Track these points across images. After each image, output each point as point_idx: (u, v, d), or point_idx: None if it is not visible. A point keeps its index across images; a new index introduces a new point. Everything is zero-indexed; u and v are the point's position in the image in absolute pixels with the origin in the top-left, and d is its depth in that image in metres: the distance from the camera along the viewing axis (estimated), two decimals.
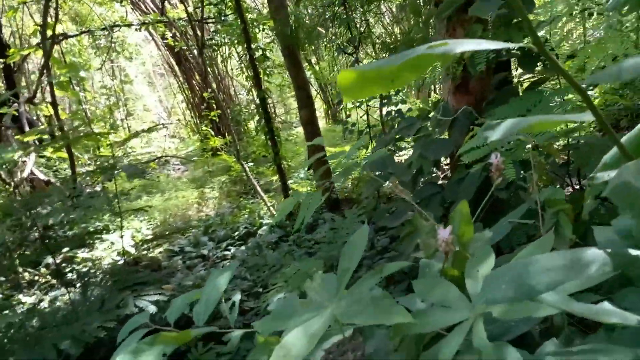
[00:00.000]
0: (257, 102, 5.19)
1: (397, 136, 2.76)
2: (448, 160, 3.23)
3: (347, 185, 6.04)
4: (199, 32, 6.66)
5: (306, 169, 6.95)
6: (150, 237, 5.63)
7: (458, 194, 2.32)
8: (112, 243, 5.34)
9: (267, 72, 6.03)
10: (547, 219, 1.27)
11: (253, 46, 5.41)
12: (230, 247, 4.99)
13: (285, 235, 4.94)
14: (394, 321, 0.80)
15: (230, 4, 6.63)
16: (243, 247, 4.89)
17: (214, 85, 9.94)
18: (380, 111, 4.99)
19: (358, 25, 4.52)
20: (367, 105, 4.64)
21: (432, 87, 10.38)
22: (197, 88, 11.36)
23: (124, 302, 2.71)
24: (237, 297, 1.36)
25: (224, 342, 2.87)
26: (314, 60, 11.69)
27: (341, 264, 0.99)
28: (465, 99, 2.46)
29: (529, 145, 1.70)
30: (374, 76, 0.61)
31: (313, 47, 10.76)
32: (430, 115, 2.78)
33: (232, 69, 11.37)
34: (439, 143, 2.40)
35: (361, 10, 4.76)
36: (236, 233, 5.33)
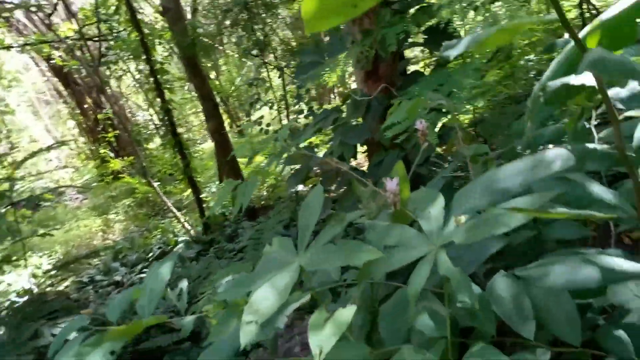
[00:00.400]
0: (162, 114, 5.00)
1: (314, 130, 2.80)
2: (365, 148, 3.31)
3: (262, 193, 6.00)
4: (92, 50, 6.30)
5: (217, 182, 6.80)
6: (53, 271, 5.19)
7: (379, 175, 2.40)
8: (9, 284, 4.87)
9: (168, 86, 5.84)
10: (476, 170, 1.35)
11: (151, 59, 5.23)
12: (145, 270, 4.74)
13: (204, 249, 4.79)
14: (364, 259, 0.80)
15: (122, 19, 6.37)
16: None
17: (109, 107, 9.45)
18: (288, 116, 5.03)
19: (261, 29, 4.54)
20: (279, 107, 4.66)
21: (332, 94, 10.67)
22: (90, 111, 10.72)
23: (39, 333, 2.46)
24: (184, 284, 1.29)
25: (158, 358, 2.71)
26: (213, 74, 11.52)
27: (300, 222, 0.98)
28: (376, 85, 2.55)
29: (448, 117, 1.80)
30: (336, 3, 0.61)
31: (212, 63, 10.62)
32: (343, 107, 2.86)
33: (127, 87, 10.89)
34: (357, 129, 2.47)
35: (262, 16, 4.79)
36: (150, 254, 5.07)
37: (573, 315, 0.96)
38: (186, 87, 8.96)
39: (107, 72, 8.01)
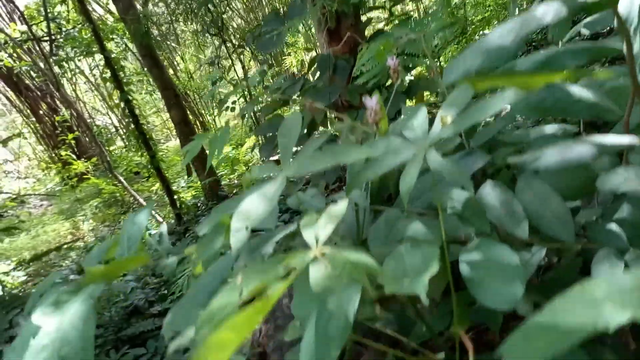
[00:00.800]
0: (121, 108, 4.84)
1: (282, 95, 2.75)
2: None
3: (234, 182, 5.92)
4: (42, 50, 6.06)
5: (186, 176, 6.67)
6: (23, 277, 4.99)
7: None
8: None
9: (126, 80, 5.67)
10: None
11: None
12: None
13: (178, 239, 4.70)
14: (355, 157, 0.77)
15: (70, 16, 6.16)
16: None
17: (65, 110, 9.16)
18: (251, 95, 4.94)
19: (216, 11, 4.45)
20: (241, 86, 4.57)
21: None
22: (46, 117, 10.36)
23: (14, 323, 2.34)
24: (164, 228, 1.24)
25: (140, 344, 2.63)
26: (171, 72, 11.28)
27: (280, 143, 0.94)
28: (341, 47, 2.52)
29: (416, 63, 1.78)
30: None
31: (168, 58, 10.40)
32: (308, 76, 2.82)
33: (83, 90, 10.61)
34: (325, 91, 2.44)
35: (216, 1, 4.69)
36: None
37: (565, 215, 0.95)
38: (144, 82, 8.73)
39: (60, 73, 7.73)
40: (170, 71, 11.50)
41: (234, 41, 5.12)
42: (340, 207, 0.70)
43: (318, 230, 0.67)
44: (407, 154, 0.85)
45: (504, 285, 0.72)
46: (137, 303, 3.30)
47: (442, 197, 0.96)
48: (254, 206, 0.76)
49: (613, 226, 0.94)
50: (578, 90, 1.02)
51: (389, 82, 2.17)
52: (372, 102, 1.05)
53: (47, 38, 6.40)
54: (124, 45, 6.93)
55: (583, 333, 0.35)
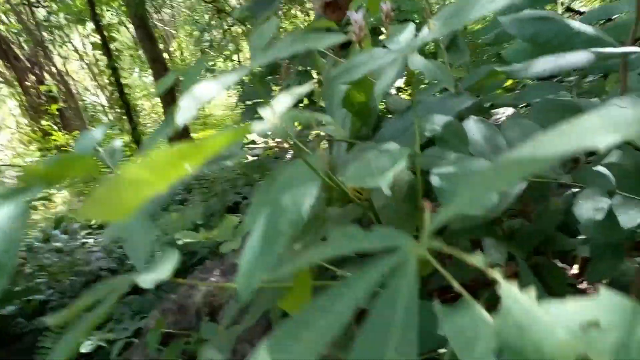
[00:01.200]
0: (108, 75, 4.72)
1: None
2: None
3: None
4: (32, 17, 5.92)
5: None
6: None
7: None
8: None
9: (117, 54, 5.54)
10: None
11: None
12: (89, 237, 4.49)
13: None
14: (327, 43, 0.69)
15: None
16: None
17: (52, 81, 8.97)
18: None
19: None
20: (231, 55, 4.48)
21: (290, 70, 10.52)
22: (33, 89, 10.14)
23: None
24: (119, 142, 1.14)
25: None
26: (166, 56, 11.12)
27: (251, 46, 0.86)
28: (336, 14, 2.45)
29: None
30: None
31: (163, 38, 10.29)
32: None
33: (71, 64, 10.44)
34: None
35: None
36: (93, 221, 4.82)
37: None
38: (136, 61, 8.60)
39: (49, 39, 7.57)
40: (166, 55, 11.37)
41: (229, 20, 5.04)
42: (305, 87, 0.63)
43: (276, 104, 0.59)
44: (387, 58, 0.77)
45: (477, 193, 0.65)
46: (100, 272, 3.20)
47: (423, 122, 0.89)
48: (205, 88, 0.68)
49: (600, 168, 0.88)
50: (577, 24, 0.95)
51: None
52: (357, 15, 0.98)
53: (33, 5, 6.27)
54: (118, 18, 6.81)
55: (564, 154, 0.27)
